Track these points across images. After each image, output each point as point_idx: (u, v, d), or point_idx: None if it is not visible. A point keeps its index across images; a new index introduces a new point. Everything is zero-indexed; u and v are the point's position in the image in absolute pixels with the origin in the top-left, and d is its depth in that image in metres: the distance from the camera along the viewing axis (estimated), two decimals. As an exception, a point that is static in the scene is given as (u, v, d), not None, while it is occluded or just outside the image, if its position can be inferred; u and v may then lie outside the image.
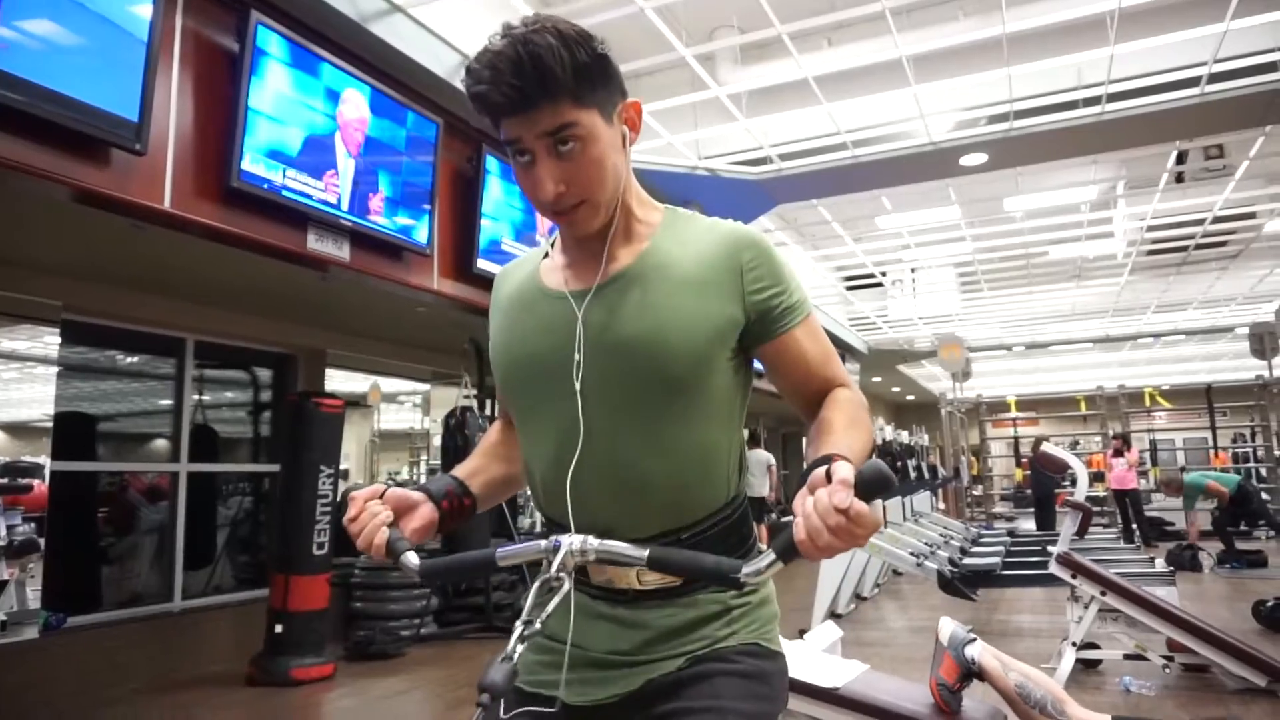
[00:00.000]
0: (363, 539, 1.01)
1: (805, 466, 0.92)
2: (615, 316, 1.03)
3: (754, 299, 1.05)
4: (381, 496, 1.04)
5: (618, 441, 1.02)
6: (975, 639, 1.83)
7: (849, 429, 0.98)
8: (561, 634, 1.06)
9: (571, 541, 0.92)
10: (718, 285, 1.04)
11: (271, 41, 3.59)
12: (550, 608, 0.89)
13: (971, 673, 2.03)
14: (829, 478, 0.80)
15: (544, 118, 0.95)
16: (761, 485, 10.92)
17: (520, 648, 0.85)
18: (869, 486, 0.76)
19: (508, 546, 0.97)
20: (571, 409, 1.02)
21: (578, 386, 1.02)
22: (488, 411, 6.47)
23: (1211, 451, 14.64)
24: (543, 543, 0.94)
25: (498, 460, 1.22)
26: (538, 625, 0.87)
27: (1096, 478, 12.70)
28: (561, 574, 0.91)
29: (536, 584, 0.91)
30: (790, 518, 0.84)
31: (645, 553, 0.91)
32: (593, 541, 0.93)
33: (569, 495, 1.03)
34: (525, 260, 1.22)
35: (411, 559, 1.00)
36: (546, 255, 1.16)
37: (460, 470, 1.18)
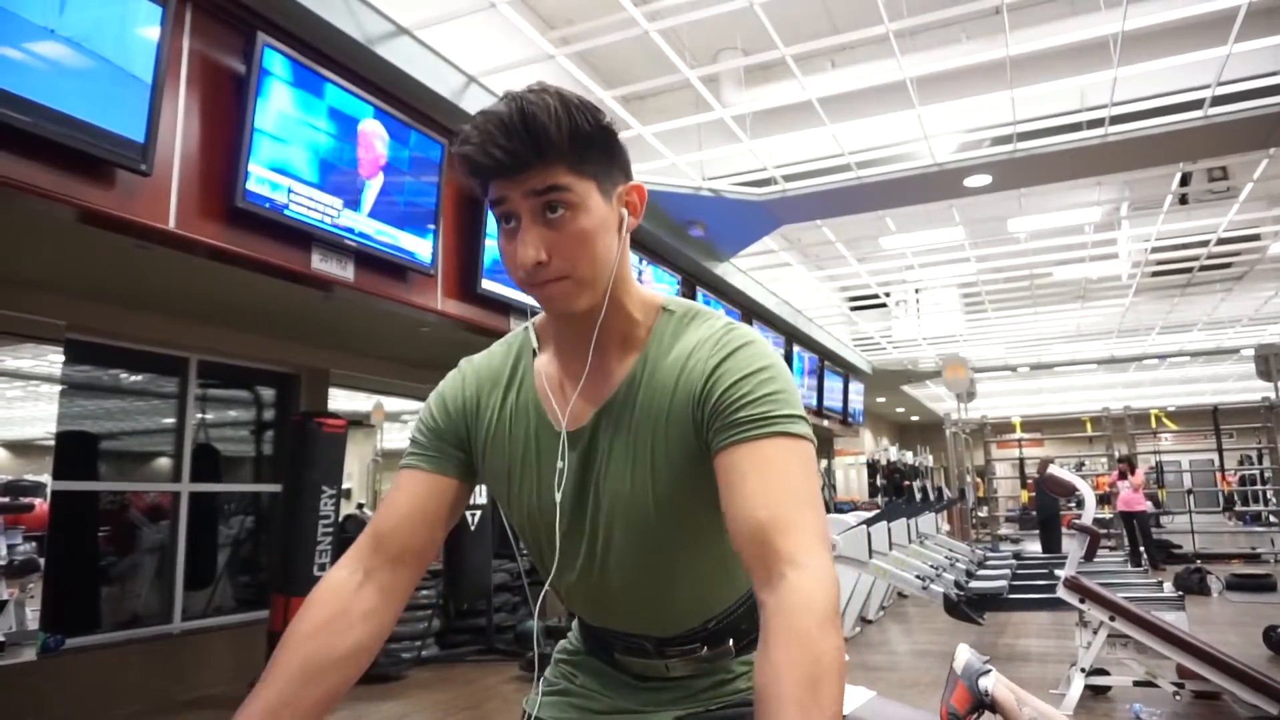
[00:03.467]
0: None
1: None
2: (609, 463, 0.97)
3: (708, 405, 0.89)
4: None
5: (638, 576, 1.00)
6: (990, 670, 1.79)
7: (807, 712, 0.69)
8: (593, 686, 1.11)
9: None
10: (688, 410, 0.92)
11: (277, 63, 3.61)
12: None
13: (984, 704, 2.00)
14: None
15: (533, 178, 0.86)
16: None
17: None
18: None
19: None
20: (585, 552, 1.00)
21: (585, 530, 1.00)
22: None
23: (1218, 473, 14.55)
24: None
25: (314, 677, 0.89)
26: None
27: (1102, 500, 12.64)
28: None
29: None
30: None
31: None
32: None
33: (582, 604, 1.06)
34: (507, 356, 1.06)
35: None
36: (535, 352, 1.05)
37: (253, 708, 0.86)
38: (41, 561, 4.61)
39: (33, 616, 4.49)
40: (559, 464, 0.97)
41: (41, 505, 4.73)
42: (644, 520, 0.96)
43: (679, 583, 1.01)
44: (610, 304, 0.94)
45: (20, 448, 5.29)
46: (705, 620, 1.04)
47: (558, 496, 0.97)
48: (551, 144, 0.85)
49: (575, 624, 1.18)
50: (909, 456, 15.43)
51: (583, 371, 0.97)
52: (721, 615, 1.04)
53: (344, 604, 0.94)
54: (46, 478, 4.76)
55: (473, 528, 5.70)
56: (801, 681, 0.70)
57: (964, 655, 2.07)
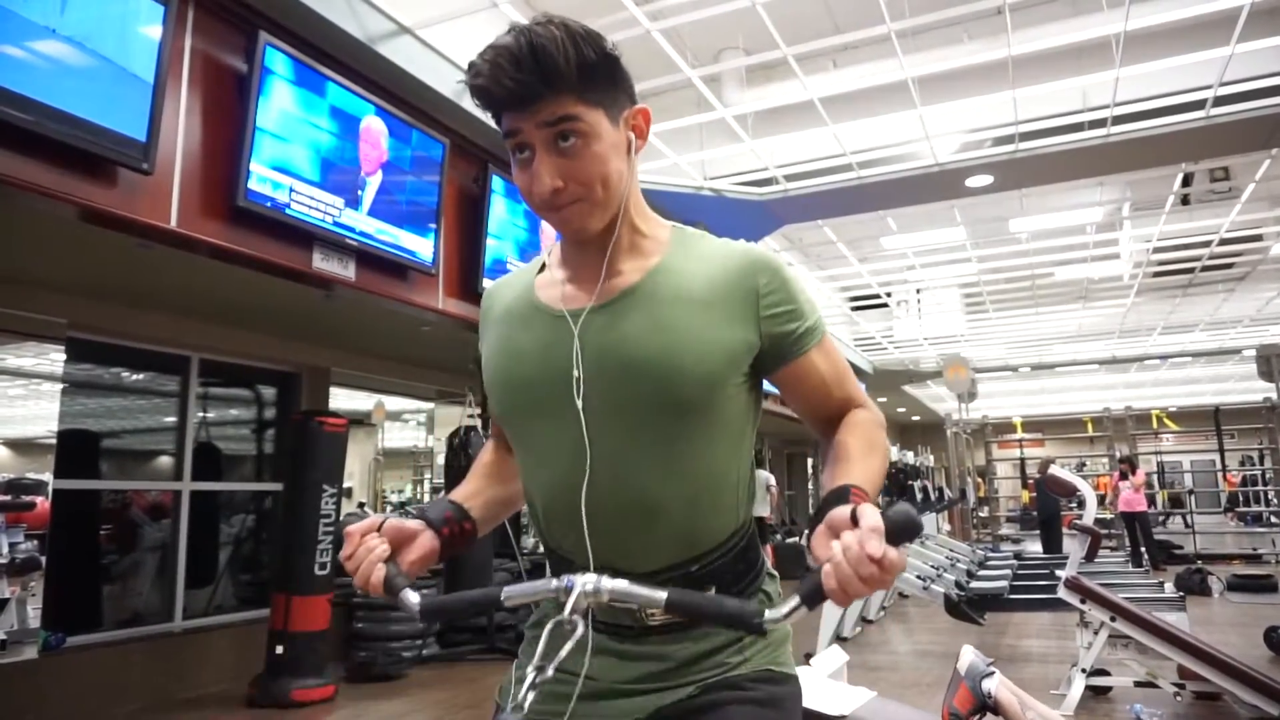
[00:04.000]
0: (359, 577, 0.96)
1: (823, 497, 0.89)
2: (623, 336, 0.99)
3: (769, 324, 1.01)
4: (379, 529, 0.99)
5: (625, 467, 0.98)
6: (994, 672, 1.80)
7: (866, 455, 0.98)
8: (566, 665, 1.02)
9: (585, 582, 0.87)
10: (731, 308, 1.00)
11: (279, 62, 3.61)
12: (564, 652, 0.83)
13: (986, 706, 2.00)
14: (854, 520, 0.78)
15: (544, 109, 0.91)
16: (762, 506, 10.87)
17: (531, 695, 0.83)
18: (898, 532, 0.75)
19: (515, 586, 0.93)
20: (574, 433, 0.98)
21: (580, 408, 0.98)
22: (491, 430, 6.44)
23: (1220, 474, 14.55)
24: (553, 582, 0.89)
25: (495, 481, 1.19)
26: (550, 673, 0.84)
27: (1103, 500, 12.63)
28: (575, 617, 0.85)
29: (549, 627, 0.86)
30: (806, 552, 0.82)
31: (663, 595, 0.86)
32: (607, 582, 0.87)
33: (579, 523, 0.99)
34: (518, 275, 1.17)
35: (410, 597, 0.96)
36: (542, 269, 1.12)
37: (458, 494, 1.14)
38: (43, 560, 4.61)
39: (34, 615, 4.50)
40: (570, 342, 1.01)
41: (43, 504, 4.74)
42: (652, 393, 0.96)
43: (671, 492, 0.98)
44: (621, 220, 1.01)
45: (22, 446, 5.29)
46: (688, 559, 1.00)
47: (576, 371, 0.99)
48: (560, 75, 0.90)
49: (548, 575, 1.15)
50: (910, 457, 15.42)
51: (590, 274, 1.03)
52: (705, 556, 1.00)
53: (500, 452, 1.22)
54: (48, 476, 4.77)
55: (473, 527, 5.70)
56: (864, 446, 1.00)
57: (968, 657, 2.06)
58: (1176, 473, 17.08)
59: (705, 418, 0.99)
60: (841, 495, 0.86)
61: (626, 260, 1.04)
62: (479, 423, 6.51)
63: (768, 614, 0.82)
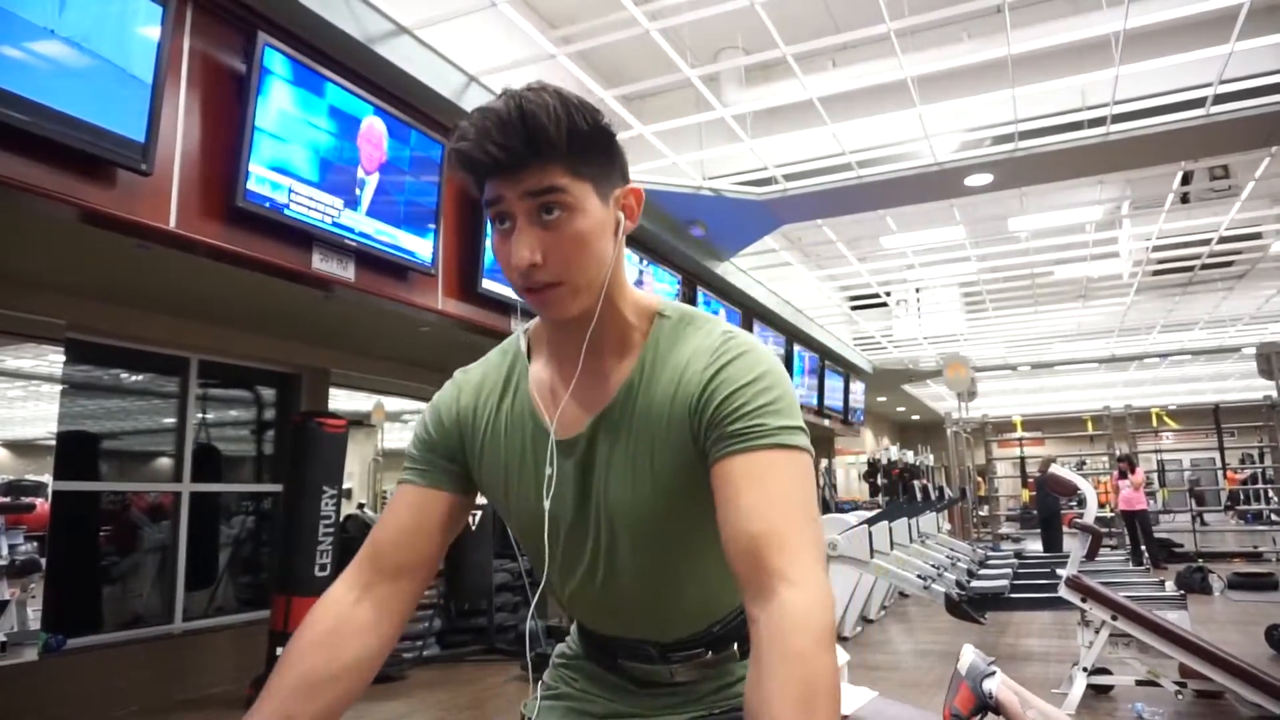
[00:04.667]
0: None
1: None
2: (609, 471, 0.95)
3: (705, 415, 0.88)
4: None
5: (642, 582, 0.98)
6: (995, 671, 1.79)
7: None
8: (589, 688, 1.09)
9: None
10: (685, 419, 0.90)
11: (278, 62, 3.61)
12: None
13: (988, 706, 1.99)
14: None
15: (530, 178, 0.84)
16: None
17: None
18: None
19: None
20: (588, 558, 0.99)
21: (547, 551, 0.97)
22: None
23: (1220, 472, 14.55)
24: None
25: (313, 691, 0.90)
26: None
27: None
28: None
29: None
30: None
31: None
32: None
33: (583, 610, 1.06)
34: (501, 364, 1.05)
35: None
36: (529, 359, 1.03)
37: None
38: (43, 561, 4.61)
39: (34, 617, 4.49)
40: (548, 470, 0.96)
41: (42, 505, 4.73)
42: (647, 527, 0.95)
43: (683, 588, 0.99)
44: (605, 308, 0.92)
45: (21, 448, 5.29)
46: (710, 624, 1.02)
47: (546, 504, 0.95)
48: (549, 143, 0.83)
49: (574, 628, 1.16)
50: (910, 456, 15.41)
51: (572, 371, 0.95)
52: (725, 619, 1.03)
53: (342, 618, 0.95)
54: (47, 478, 4.76)
55: (473, 528, 5.70)
56: (796, 704, 0.69)
57: (968, 656, 2.06)
58: (1176, 471, 17.07)
59: (697, 529, 0.94)
60: None
61: (611, 356, 0.96)
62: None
63: None
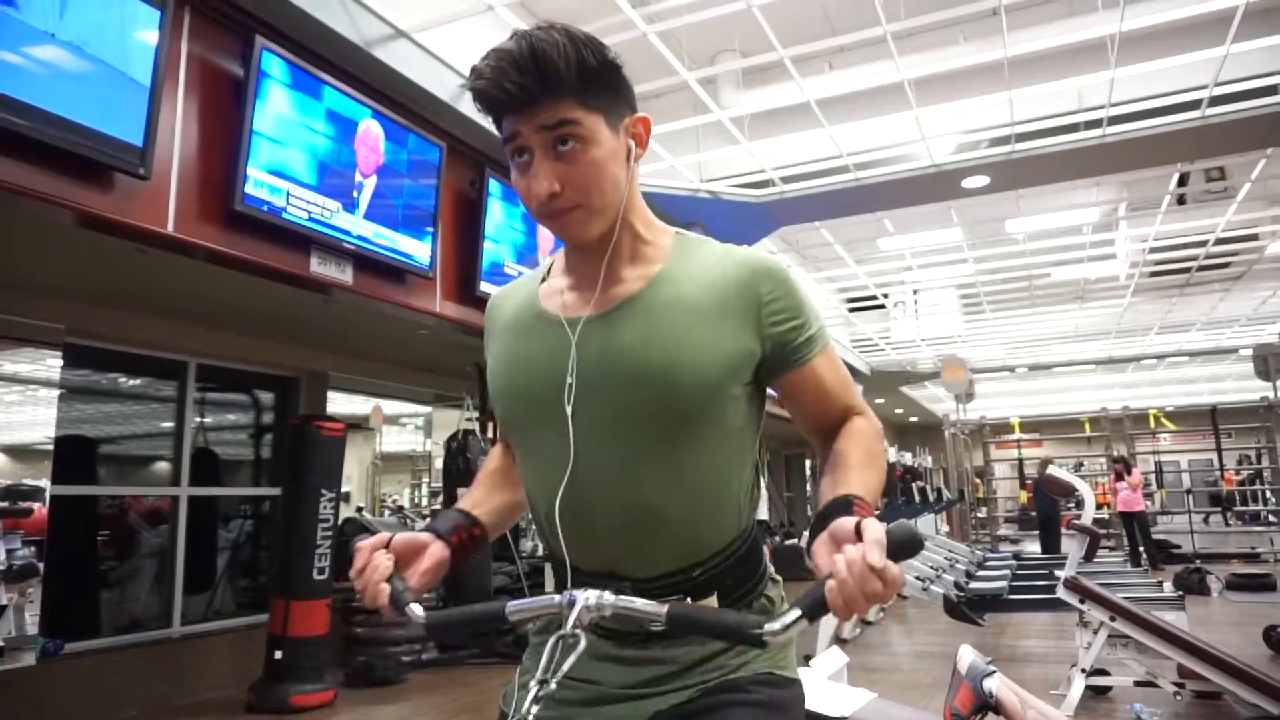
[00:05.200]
0: (366, 595, 0.97)
1: (824, 505, 0.90)
2: (621, 346, 0.99)
3: (772, 331, 1.01)
4: (388, 545, 1.00)
5: (625, 475, 0.98)
6: (995, 671, 1.80)
7: (864, 466, 0.98)
8: (569, 671, 1.02)
9: (587, 597, 0.89)
10: (734, 316, 1.00)
11: (275, 66, 3.61)
12: (567, 666, 0.85)
13: (988, 706, 1.99)
14: (858, 534, 0.79)
15: (544, 113, 0.92)
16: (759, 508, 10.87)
17: (535, 709, 0.83)
18: (899, 547, 0.76)
19: (518, 601, 0.94)
20: (579, 445, 0.99)
21: (569, 414, 0.99)
22: (490, 434, 6.45)
23: (1219, 473, 14.57)
24: (556, 597, 0.91)
25: (500, 488, 1.19)
26: (553, 685, 0.84)
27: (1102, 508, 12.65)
28: (578, 630, 0.87)
29: (551, 640, 0.87)
30: (806, 556, 0.83)
31: (664, 609, 0.87)
32: (609, 598, 0.89)
33: (562, 533, 1.00)
34: (521, 283, 1.18)
35: (416, 611, 0.97)
36: (545, 278, 1.12)
37: (465, 502, 1.15)
38: (40, 566, 4.60)
39: (32, 621, 4.49)
40: (569, 349, 1.01)
41: (40, 510, 4.73)
42: (651, 403, 0.97)
43: (674, 499, 0.98)
44: (621, 227, 1.01)
45: (19, 452, 5.29)
46: (690, 564, 1.00)
47: (569, 379, 1.00)
48: (560, 79, 0.91)
49: (552, 588, 1.12)
50: (908, 458, 15.43)
51: (594, 283, 1.03)
52: (708, 562, 1.00)
53: (505, 458, 1.22)
54: (45, 482, 4.76)
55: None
56: (864, 456, 0.99)
57: (967, 657, 2.06)
58: (1174, 472, 17.10)
59: (706, 426, 0.99)
60: (844, 505, 0.87)
61: (628, 267, 1.04)
62: (477, 426, 6.51)
63: (768, 627, 0.82)
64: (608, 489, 0.99)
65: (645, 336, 0.99)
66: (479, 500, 1.16)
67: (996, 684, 1.92)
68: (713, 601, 1.01)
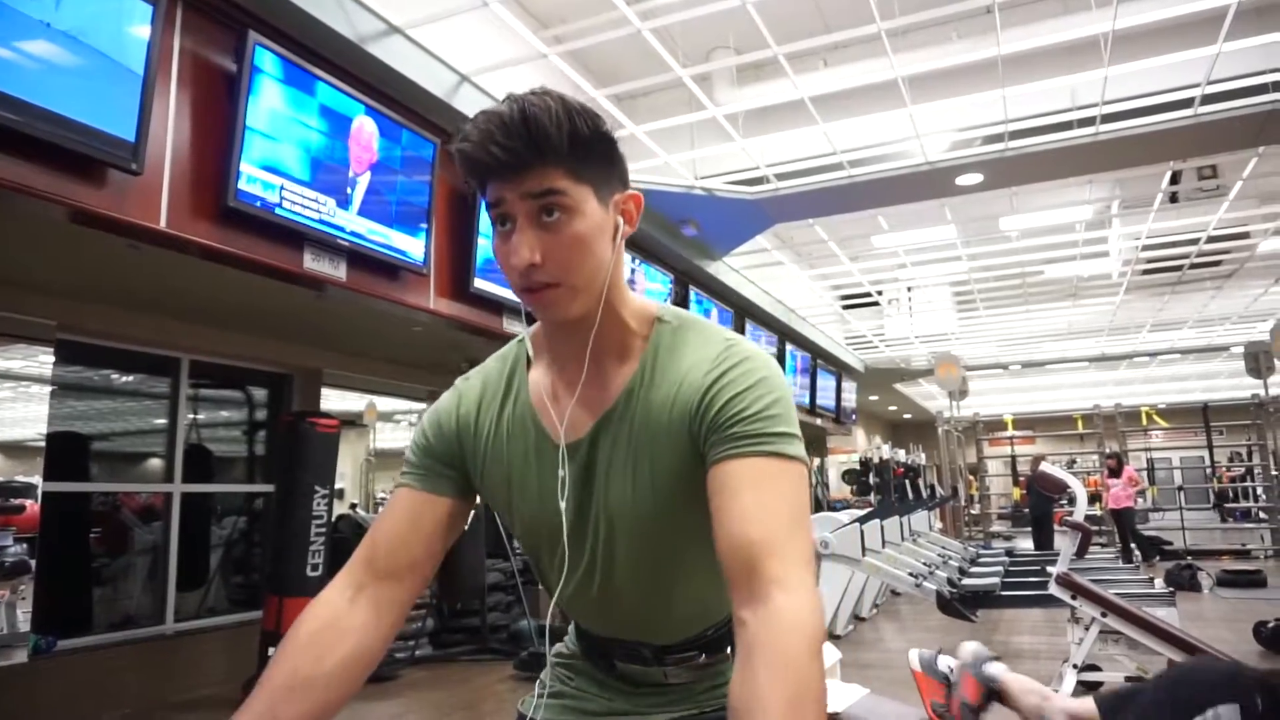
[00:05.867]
0: None
1: None
2: (609, 475, 0.96)
3: (706, 419, 0.89)
4: None
5: (640, 585, 1.00)
6: (998, 657, 1.83)
7: None
8: (590, 690, 1.11)
9: None
10: (686, 425, 0.91)
11: (269, 61, 3.60)
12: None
13: (993, 691, 2.02)
14: None
15: (531, 180, 0.86)
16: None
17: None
18: None
19: None
20: (586, 561, 1.00)
21: (586, 550, 1.00)
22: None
23: (1209, 470, 14.64)
24: None
25: (304, 689, 0.90)
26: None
27: (1094, 498, 12.70)
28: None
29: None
30: None
31: None
32: None
33: (584, 618, 1.08)
34: (502, 371, 1.06)
35: None
36: (529, 360, 1.04)
37: None
38: (32, 563, 4.58)
39: (24, 618, 4.47)
40: (560, 474, 0.97)
41: (32, 507, 4.71)
42: (646, 531, 0.96)
43: (680, 591, 1.01)
44: (605, 312, 0.93)
45: (11, 449, 5.26)
46: (704, 629, 1.04)
47: (562, 505, 0.96)
48: (551, 146, 0.85)
49: (572, 628, 1.17)
50: (901, 454, 15.46)
51: (579, 381, 0.96)
52: (719, 624, 1.05)
53: (334, 619, 0.95)
54: (37, 479, 4.74)
55: (466, 528, 5.69)
56: (786, 706, 0.69)
57: (969, 647, 2.08)
58: (1166, 469, 17.18)
59: (695, 533, 0.95)
60: None
61: (612, 362, 0.97)
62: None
63: None
64: (623, 596, 1.02)
65: (618, 476, 0.96)
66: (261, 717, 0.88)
67: (1000, 670, 1.94)
68: (726, 654, 1.07)
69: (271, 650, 4.85)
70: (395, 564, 0.98)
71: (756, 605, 0.76)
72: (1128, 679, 4.43)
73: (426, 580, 1.03)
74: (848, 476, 15.78)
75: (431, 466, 1.03)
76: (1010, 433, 15.89)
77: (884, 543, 6.65)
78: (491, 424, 1.02)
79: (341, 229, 3.98)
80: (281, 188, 3.65)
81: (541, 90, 0.88)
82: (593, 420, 0.97)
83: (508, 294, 5.12)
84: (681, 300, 7.27)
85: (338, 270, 4.05)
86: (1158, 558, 11.14)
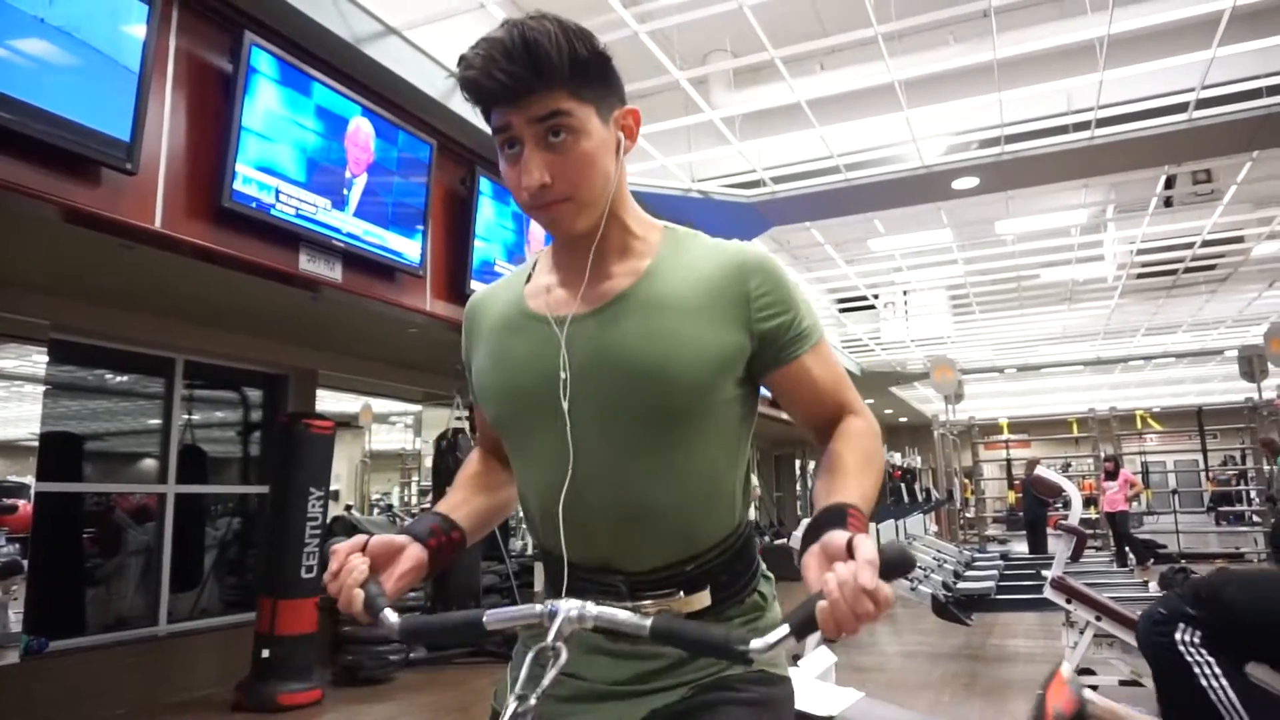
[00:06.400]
0: (340, 600, 0.95)
1: (817, 513, 0.90)
2: (612, 344, 0.98)
3: (762, 326, 1.00)
4: (364, 548, 0.97)
5: (617, 471, 0.98)
6: (1096, 685, 1.95)
7: (861, 470, 0.97)
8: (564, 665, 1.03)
9: (569, 609, 0.87)
10: (723, 312, 0.99)
11: (265, 62, 3.59)
12: (548, 681, 0.82)
13: (1086, 714, 2.10)
14: (849, 551, 0.78)
15: (536, 104, 0.91)
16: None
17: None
18: (891, 567, 0.76)
19: (497, 611, 0.92)
20: (572, 442, 0.98)
21: (566, 413, 0.98)
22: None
23: (1204, 474, 14.67)
24: (537, 607, 0.89)
25: (480, 490, 1.17)
26: (532, 702, 0.82)
27: (1089, 501, 12.73)
28: (559, 644, 0.85)
29: (531, 654, 0.86)
30: (797, 561, 0.83)
31: (648, 623, 0.85)
32: (591, 609, 0.87)
33: (563, 529, 0.99)
34: (505, 283, 1.15)
35: (390, 617, 0.94)
36: (530, 277, 1.10)
37: (443, 505, 1.12)
38: (25, 564, 4.57)
39: (16, 619, 4.46)
40: (560, 347, 1.00)
41: (25, 507, 4.70)
42: (651, 409, 0.96)
43: (667, 493, 0.98)
44: (610, 221, 1.00)
45: (3, 449, 5.25)
46: (684, 559, 0.99)
47: (563, 374, 0.99)
48: (553, 69, 0.89)
49: (543, 584, 1.14)
50: (897, 458, 15.47)
51: (579, 279, 1.02)
52: (701, 556, 1.00)
53: (487, 459, 1.22)
54: (30, 479, 4.72)
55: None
56: (861, 459, 0.99)
57: (1068, 671, 2.16)
58: (1160, 473, 17.21)
59: (698, 423, 0.99)
60: (838, 516, 0.86)
61: (617, 262, 1.02)
62: (466, 425, 6.49)
63: (754, 644, 0.80)
64: (601, 486, 0.98)
65: (635, 334, 0.98)
66: (458, 503, 1.13)
67: (1095, 695, 2.02)
68: (706, 596, 1.00)
69: (265, 652, 4.87)
70: (492, 446, 1.21)
71: (845, 419, 1.05)
72: (1122, 683, 4.44)
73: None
74: None
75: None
76: (1006, 436, 15.90)
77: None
78: (489, 320, 1.11)
79: (337, 230, 3.97)
80: (277, 189, 3.65)
81: (538, 13, 0.91)
82: (598, 303, 1.01)
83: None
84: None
85: (333, 271, 4.04)
86: (1152, 561, 11.15)
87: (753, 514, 11.10)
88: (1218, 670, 2.12)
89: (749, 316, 1.00)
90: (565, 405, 0.98)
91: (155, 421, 5.74)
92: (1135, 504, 12.73)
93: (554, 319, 1.02)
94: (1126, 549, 10.98)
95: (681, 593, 1.00)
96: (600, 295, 1.01)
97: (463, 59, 0.92)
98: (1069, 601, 4.49)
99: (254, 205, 3.54)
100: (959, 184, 6.09)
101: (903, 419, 22.14)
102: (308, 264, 3.90)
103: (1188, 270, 9.48)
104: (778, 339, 1.01)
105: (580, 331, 1.00)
